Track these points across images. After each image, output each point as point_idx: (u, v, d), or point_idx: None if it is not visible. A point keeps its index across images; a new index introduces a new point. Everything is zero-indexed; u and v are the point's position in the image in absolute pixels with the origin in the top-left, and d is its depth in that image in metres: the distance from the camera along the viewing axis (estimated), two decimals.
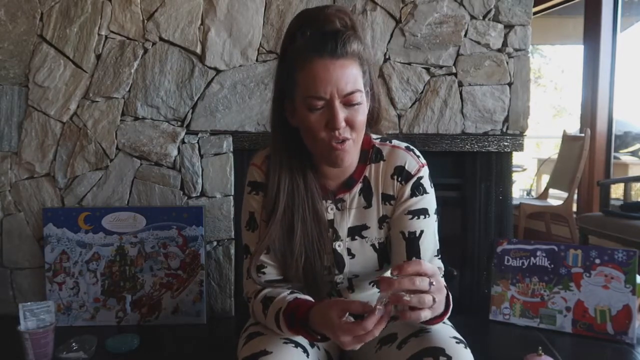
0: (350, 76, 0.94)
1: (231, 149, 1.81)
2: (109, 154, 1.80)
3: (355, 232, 1.09)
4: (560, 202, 3.24)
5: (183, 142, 1.80)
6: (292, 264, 1.05)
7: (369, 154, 1.09)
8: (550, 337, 1.60)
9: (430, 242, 1.06)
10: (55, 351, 1.45)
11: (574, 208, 3.32)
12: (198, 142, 1.80)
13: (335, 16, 0.96)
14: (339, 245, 1.09)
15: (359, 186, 1.09)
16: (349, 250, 1.09)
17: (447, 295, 0.91)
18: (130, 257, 1.76)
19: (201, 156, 1.80)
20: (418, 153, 1.09)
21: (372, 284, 1.17)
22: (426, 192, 1.07)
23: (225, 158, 1.80)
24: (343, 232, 1.09)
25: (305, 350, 0.97)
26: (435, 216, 1.09)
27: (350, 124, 0.96)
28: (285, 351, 0.94)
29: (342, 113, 0.94)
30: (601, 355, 1.52)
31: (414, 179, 1.06)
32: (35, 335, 1.39)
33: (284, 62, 1.01)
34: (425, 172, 1.08)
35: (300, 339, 0.99)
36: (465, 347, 0.93)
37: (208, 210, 1.80)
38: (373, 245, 1.09)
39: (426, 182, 1.08)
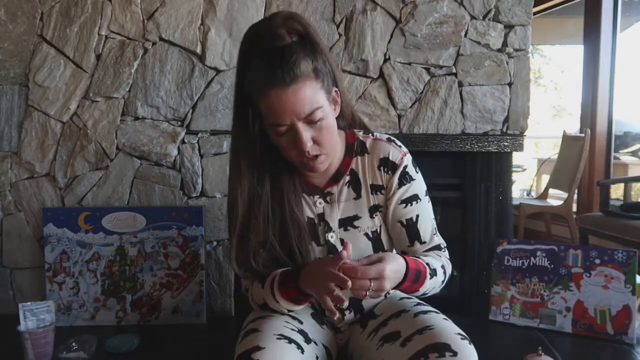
0: (305, 98, 0.95)
1: None
2: (109, 153, 1.80)
3: (347, 223, 1.13)
4: (560, 202, 3.24)
5: (183, 142, 1.80)
6: (253, 264, 1.08)
7: (354, 146, 1.14)
8: (550, 337, 1.60)
9: (427, 223, 1.14)
10: (55, 351, 1.45)
11: (574, 208, 3.32)
12: (198, 142, 1.80)
13: (283, 27, 0.96)
14: (331, 237, 1.13)
15: (346, 178, 1.13)
16: (342, 241, 1.12)
17: (417, 273, 1.01)
18: (130, 257, 1.76)
19: (201, 156, 1.80)
20: (399, 143, 1.15)
21: None
22: (413, 179, 1.13)
23: (225, 158, 1.80)
24: (334, 223, 1.13)
25: (299, 347, 0.99)
26: (427, 197, 1.15)
27: (318, 141, 1.00)
28: (278, 346, 0.96)
29: (306, 133, 0.98)
30: (601, 355, 1.52)
31: (400, 168, 1.11)
32: (35, 335, 1.39)
33: (241, 85, 1.02)
34: (408, 159, 1.13)
35: (295, 336, 1.02)
36: (470, 344, 0.95)
37: (208, 210, 1.80)
38: (366, 235, 1.13)
39: (411, 170, 1.13)
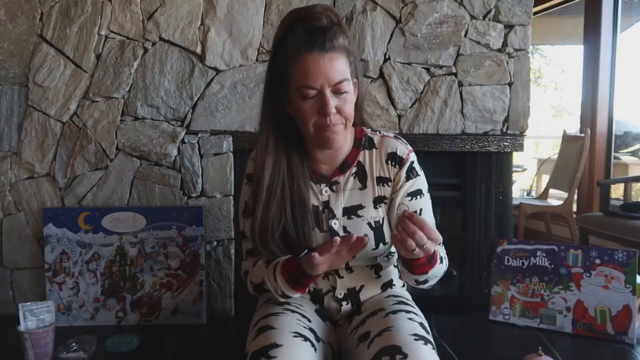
0: (338, 67, 1.04)
1: (231, 149, 1.81)
2: (109, 154, 1.80)
3: (351, 211, 1.17)
4: (560, 202, 3.24)
5: (183, 142, 1.80)
6: (270, 238, 1.12)
7: (362, 141, 1.20)
8: (550, 337, 1.60)
9: (429, 218, 1.20)
10: (55, 351, 1.44)
11: (574, 208, 3.32)
12: (198, 142, 1.80)
13: (322, 14, 1.06)
14: (334, 224, 1.16)
15: (353, 169, 1.18)
16: (344, 229, 1.15)
17: (436, 257, 1.08)
18: (130, 257, 1.76)
19: (201, 156, 1.80)
20: (405, 141, 1.21)
21: (370, 267, 1.21)
22: (418, 175, 1.19)
23: (225, 158, 1.80)
24: (338, 211, 1.16)
25: (313, 345, 1.01)
26: (428, 195, 1.22)
27: (340, 111, 1.06)
28: (294, 344, 0.97)
29: (332, 101, 1.04)
30: (601, 356, 1.52)
31: (408, 163, 1.17)
32: (35, 335, 1.39)
33: (276, 57, 1.11)
34: (413, 156, 1.20)
35: (308, 334, 1.03)
36: (425, 344, 0.95)
37: (208, 210, 1.80)
38: (369, 224, 1.16)
39: (416, 166, 1.20)
